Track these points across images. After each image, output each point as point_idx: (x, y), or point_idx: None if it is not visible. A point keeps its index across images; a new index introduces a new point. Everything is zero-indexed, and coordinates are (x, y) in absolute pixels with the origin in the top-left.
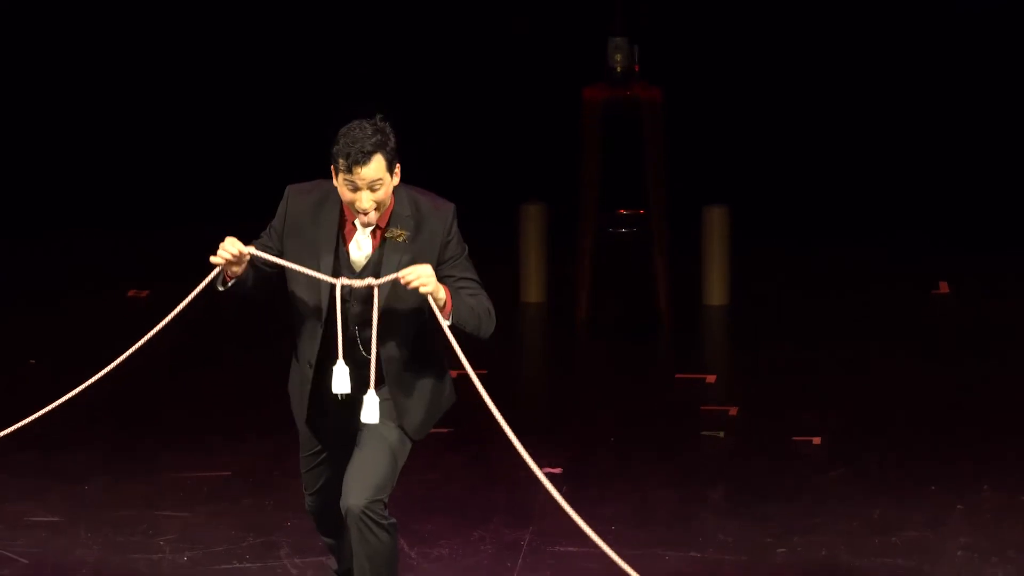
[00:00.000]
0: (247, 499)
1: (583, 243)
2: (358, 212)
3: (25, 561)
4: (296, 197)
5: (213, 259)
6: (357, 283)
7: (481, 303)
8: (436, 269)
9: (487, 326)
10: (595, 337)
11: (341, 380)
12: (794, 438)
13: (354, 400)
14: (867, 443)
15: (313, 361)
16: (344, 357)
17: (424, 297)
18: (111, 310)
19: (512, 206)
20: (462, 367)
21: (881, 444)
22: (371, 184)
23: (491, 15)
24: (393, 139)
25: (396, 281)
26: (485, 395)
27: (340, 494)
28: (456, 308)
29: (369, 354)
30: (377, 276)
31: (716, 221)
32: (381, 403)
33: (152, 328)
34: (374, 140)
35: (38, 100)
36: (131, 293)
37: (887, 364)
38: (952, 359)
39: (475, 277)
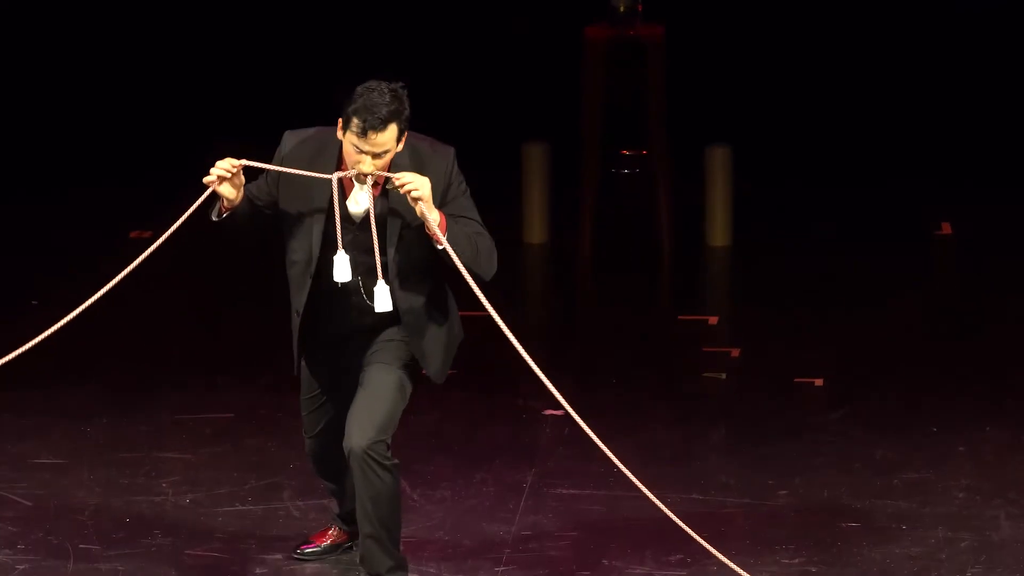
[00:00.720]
0: (250, 440)
1: (585, 183)
2: (357, 172)
3: (28, 503)
4: (293, 143)
5: (206, 179)
6: (351, 173)
7: (483, 240)
8: (444, 205)
9: (487, 264)
10: (597, 278)
11: (342, 268)
12: (796, 379)
13: (346, 340)
14: (869, 384)
15: (300, 309)
16: (349, 301)
17: (430, 239)
18: (113, 250)
19: (515, 146)
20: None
21: (883, 385)
22: (380, 151)
23: None
24: (408, 108)
25: (404, 227)
26: (506, 329)
27: (340, 438)
28: (451, 231)
29: (371, 301)
30: (378, 228)
31: (719, 161)
32: (390, 343)
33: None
34: (392, 108)
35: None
36: (133, 234)
37: (890, 306)
38: (955, 301)
39: (477, 218)
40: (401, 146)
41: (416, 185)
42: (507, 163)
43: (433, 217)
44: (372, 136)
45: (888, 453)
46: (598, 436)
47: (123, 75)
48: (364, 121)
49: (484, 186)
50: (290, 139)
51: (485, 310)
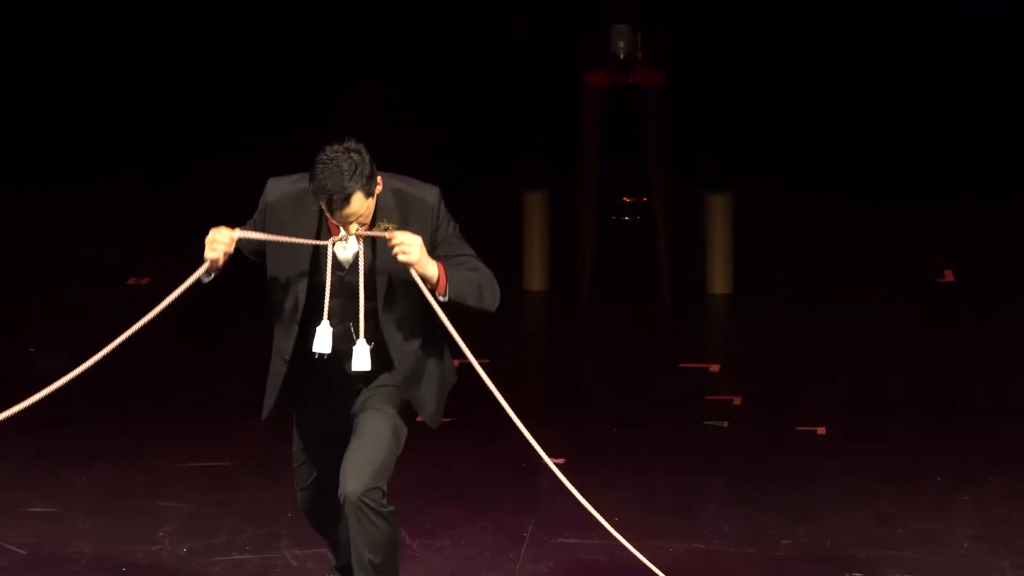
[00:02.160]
0: (248, 489)
1: (584, 231)
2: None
3: (23, 552)
4: (277, 190)
5: (209, 254)
6: (343, 247)
7: (481, 274)
8: (430, 253)
9: (490, 298)
10: (598, 326)
11: (323, 340)
12: (798, 428)
13: (338, 387)
14: (872, 432)
15: (288, 356)
16: (329, 338)
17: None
18: (110, 299)
19: (514, 193)
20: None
21: (886, 433)
22: (355, 217)
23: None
24: (369, 164)
25: (395, 272)
26: (488, 380)
27: (333, 489)
28: (453, 281)
29: (368, 345)
30: (366, 275)
31: (719, 208)
32: (382, 389)
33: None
34: (352, 181)
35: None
36: (131, 281)
37: (893, 353)
38: (958, 348)
39: (471, 252)
40: (379, 189)
41: (406, 248)
42: (507, 211)
43: (431, 274)
44: (339, 213)
45: (892, 502)
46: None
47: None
48: (329, 201)
49: (484, 232)
50: (274, 188)
51: (482, 358)
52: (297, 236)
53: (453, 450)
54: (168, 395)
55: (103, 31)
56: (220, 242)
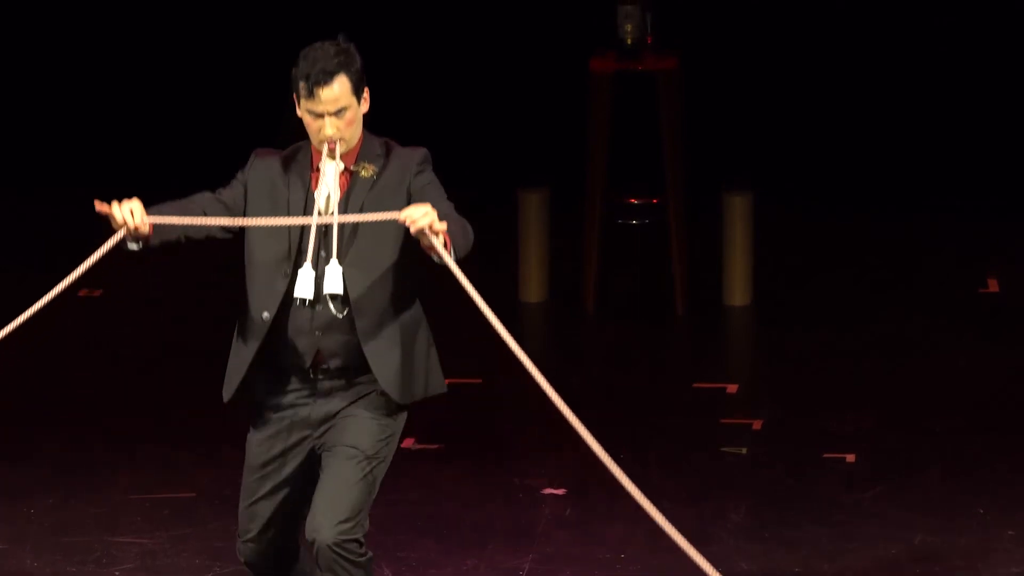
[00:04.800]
0: (213, 522)
1: (589, 235)
2: (323, 142)
3: None
4: (263, 155)
5: (105, 209)
6: (334, 219)
7: (465, 225)
8: (410, 196)
9: (468, 243)
10: (603, 341)
11: (306, 284)
12: (824, 455)
13: (305, 383)
14: (906, 459)
15: (273, 311)
16: (313, 316)
17: (400, 241)
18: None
19: (510, 192)
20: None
21: (922, 460)
22: (336, 109)
23: None
24: (359, 60)
25: (371, 224)
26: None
27: (286, 533)
28: (453, 236)
29: (341, 313)
30: (344, 232)
31: (738, 210)
32: (357, 413)
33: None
34: (337, 60)
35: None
36: (83, 292)
37: (929, 373)
38: (1002, 366)
39: (447, 200)
40: (365, 107)
41: (431, 217)
42: (501, 211)
43: (439, 242)
44: (320, 92)
45: (929, 538)
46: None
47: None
48: (307, 79)
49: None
50: (259, 152)
51: (474, 377)
52: (283, 193)
53: (442, 478)
54: (123, 421)
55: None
56: (122, 215)
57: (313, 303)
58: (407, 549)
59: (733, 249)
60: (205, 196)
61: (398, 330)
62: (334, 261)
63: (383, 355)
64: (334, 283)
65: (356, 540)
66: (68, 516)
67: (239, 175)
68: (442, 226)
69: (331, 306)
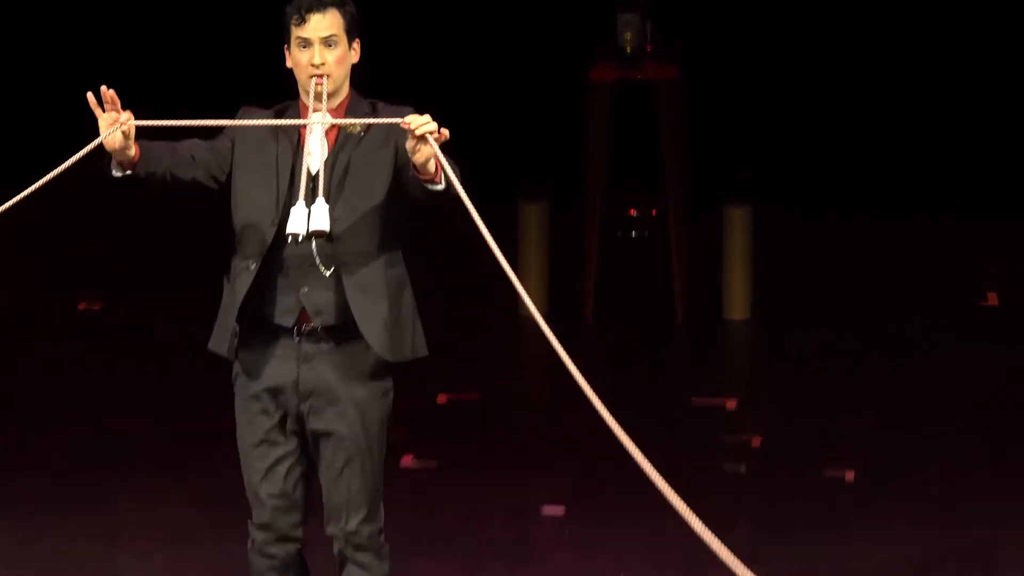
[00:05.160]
0: (214, 544)
1: (589, 245)
2: (311, 78)
3: None
4: (250, 111)
5: (105, 134)
6: (328, 121)
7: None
8: (397, 149)
9: (458, 175)
10: (601, 356)
11: (298, 220)
12: (825, 473)
13: (290, 348)
14: (908, 476)
15: (258, 264)
16: (299, 270)
17: (388, 186)
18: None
19: (510, 203)
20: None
21: (925, 477)
22: (326, 38)
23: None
24: (354, 8)
25: (359, 181)
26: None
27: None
28: (443, 166)
29: (328, 270)
30: (328, 174)
31: (738, 222)
32: (342, 371)
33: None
34: None
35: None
36: (82, 306)
37: (932, 385)
38: (1003, 379)
39: None
40: (355, 57)
41: (423, 121)
42: (501, 223)
43: (431, 166)
44: (312, 17)
45: (933, 556)
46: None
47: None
48: (301, 6)
49: (473, 250)
50: (246, 113)
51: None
52: (272, 146)
53: (439, 497)
54: (121, 430)
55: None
56: (106, 120)
57: (307, 239)
58: (405, 567)
59: (733, 261)
60: (194, 140)
61: (384, 286)
62: (320, 199)
63: (369, 309)
64: (321, 220)
65: (379, 530)
66: (64, 535)
67: (227, 130)
68: (445, 132)
69: (316, 257)
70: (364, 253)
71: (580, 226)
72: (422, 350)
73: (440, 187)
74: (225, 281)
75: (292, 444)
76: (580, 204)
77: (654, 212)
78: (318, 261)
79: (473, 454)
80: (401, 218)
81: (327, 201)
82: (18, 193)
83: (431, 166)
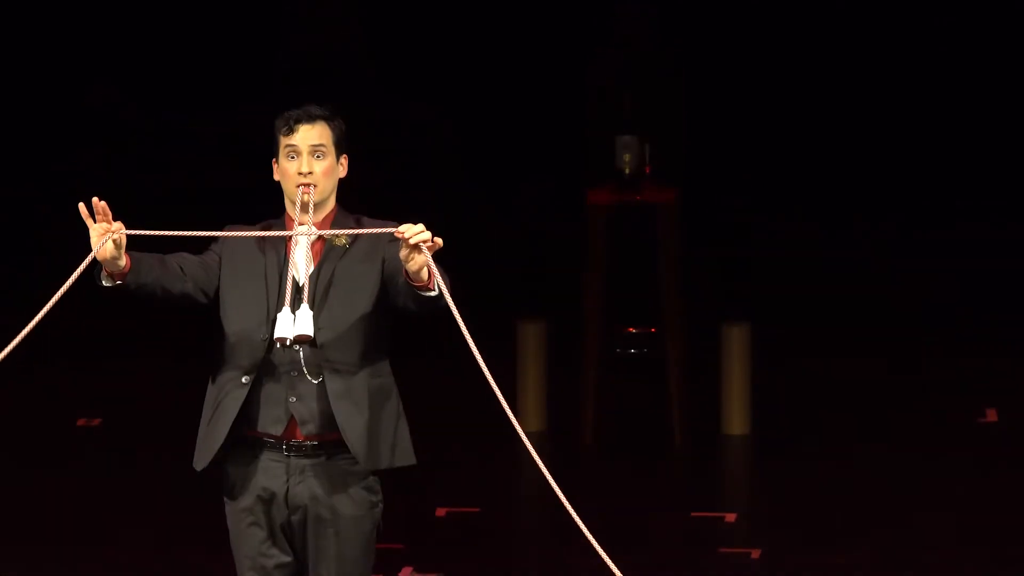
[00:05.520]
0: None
1: (587, 367)
2: (298, 187)
3: None
4: (235, 228)
5: (96, 244)
6: (319, 233)
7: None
8: (384, 261)
9: (448, 283)
10: (601, 471)
11: (284, 325)
12: None
13: (278, 464)
14: None
15: (252, 375)
16: (288, 379)
17: (373, 297)
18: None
19: (508, 323)
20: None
21: None
22: (314, 148)
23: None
24: (343, 125)
25: (343, 293)
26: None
27: None
28: (435, 274)
29: (316, 378)
30: (313, 286)
31: (736, 340)
32: (330, 486)
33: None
34: (323, 110)
35: None
36: (81, 422)
37: (932, 500)
38: (1005, 493)
39: None
40: (342, 171)
41: (417, 229)
42: (500, 342)
43: (424, 275)
44: (301, 128)
45: None
46: None
47: None
48: (290, 119)
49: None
50: (231, 228)
51: (472, 506)
52: (259, 263)
53: None
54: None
55: None
56: (97, 231)
57: (292, 344)
58: None
59: (731, 378)
60: (183, 254)
61: (367, 394)
62: (305, 306)
63: (353, 417)
64: (305, 325)
65: None
66: None
67: (213, 246)
68: (439, 240)
69: (304, 366)
70: (349, 362)
71: (579, 344)
72: (406, 459)
73: (433, 293)
74: (210, 386)
75: (286, 556)
76: (579, 324)
77: (652, 330)
78: (305, 370)
79: (474, 566)
80: (386, 329)
81: (311, 309)
82: None
83: (424, 274)
